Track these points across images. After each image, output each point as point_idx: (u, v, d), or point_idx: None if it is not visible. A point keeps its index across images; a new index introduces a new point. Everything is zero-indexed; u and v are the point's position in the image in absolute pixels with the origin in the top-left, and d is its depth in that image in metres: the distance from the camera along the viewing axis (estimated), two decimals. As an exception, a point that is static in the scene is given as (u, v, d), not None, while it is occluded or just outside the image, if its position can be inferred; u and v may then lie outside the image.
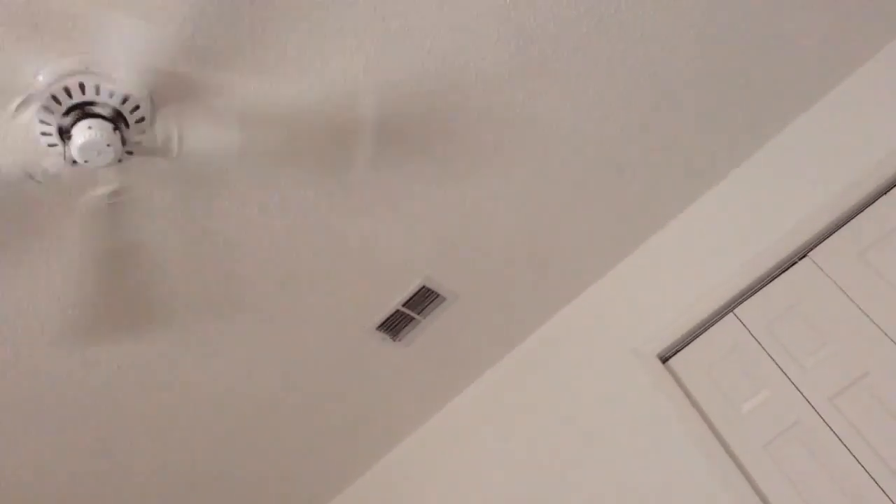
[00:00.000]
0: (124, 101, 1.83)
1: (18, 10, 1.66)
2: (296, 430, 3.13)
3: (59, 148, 1.81)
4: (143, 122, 1.89)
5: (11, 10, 1.65)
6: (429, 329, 3.00)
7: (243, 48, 1.92)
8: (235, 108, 1.97)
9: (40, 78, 1.74)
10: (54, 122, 1.78)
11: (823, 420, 2.53)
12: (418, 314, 2.90)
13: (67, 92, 1.75)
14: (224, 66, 1.94)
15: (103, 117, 1.79)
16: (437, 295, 2.86)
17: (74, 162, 1.81)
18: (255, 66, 1.96)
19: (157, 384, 2.63)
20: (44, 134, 1.80)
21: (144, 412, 2.70)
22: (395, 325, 2.90)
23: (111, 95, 1.80)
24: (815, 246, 2.73)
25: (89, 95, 1.77)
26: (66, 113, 1.77)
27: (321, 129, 2.04)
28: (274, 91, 2.04)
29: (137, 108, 1.86)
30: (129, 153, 1.93)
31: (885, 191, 2.66)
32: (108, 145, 1.76)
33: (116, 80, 1.81)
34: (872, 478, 2.40)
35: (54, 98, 1.75)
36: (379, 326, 2.88)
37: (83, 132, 1.73)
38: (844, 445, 2.47)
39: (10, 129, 1.83)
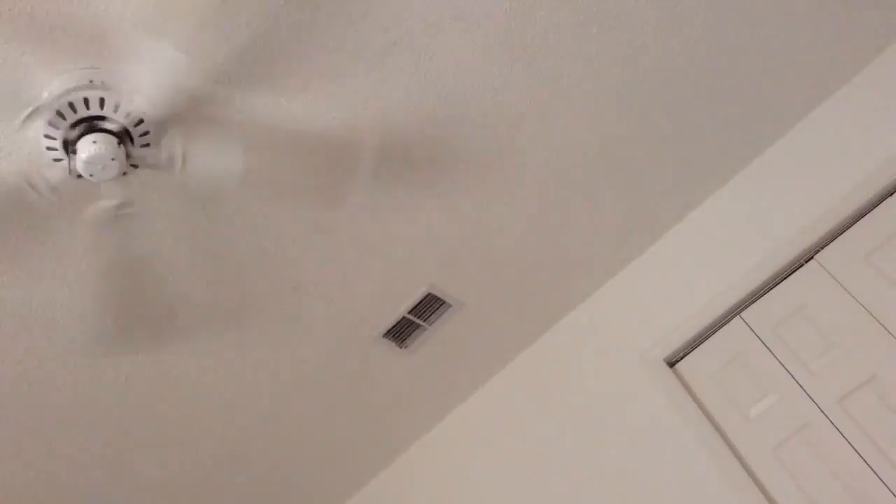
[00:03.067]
0: (138, 123, 1.84)
1: (31, 22, 1.67)
2: (303, 437, 3.13)
3: (65, 162, 1.81)
4: (148, 137, 1.88)
5: (23, 23, 1.66)
6: (435, 336, 3.00)
7: (266, 73, 1.95)
8: (241, 131, 1.98)
9: (45, 93, 1.74)
10: (59, 135, 1.77)
11: (832, 423, 2.53)
12: (424, 321, 2.90)
13: (72, 107, 1.75)
14: (239, 90, 1.96)
15: (109, 132, 1.78)
16: (443, 302, 2.86)
17: (79, 176, 1.81)
18: (271, 90, 1.99)
19: (165, 394, 2.64)
20: (49, 148, 1.80)
21: (152, 422, 2.71)
22: (401, 332, 2.90)
23: (127, 115, 1.81)
24: (822, 248, 2.73)
25: (94, 110, 1.76)
26: (73, 126, 1.77)
27: (327, 148, 2.07)
28: (283, 111, 2.05)
29: (147, 132, 1.87)
30: (134, 167, 1.93)
31: (890, 192, 2.65)
32: (113, 159, 1.75)
33: (135, 102, 1.81)
34: (882, 480, 2.39)
35: (59, 113, 1.75)
36: (385, 334, 2.88)
37: (88, 146, 1.73)
38: (853, 448, 2.47)
39: (17, 141, 1.83)
